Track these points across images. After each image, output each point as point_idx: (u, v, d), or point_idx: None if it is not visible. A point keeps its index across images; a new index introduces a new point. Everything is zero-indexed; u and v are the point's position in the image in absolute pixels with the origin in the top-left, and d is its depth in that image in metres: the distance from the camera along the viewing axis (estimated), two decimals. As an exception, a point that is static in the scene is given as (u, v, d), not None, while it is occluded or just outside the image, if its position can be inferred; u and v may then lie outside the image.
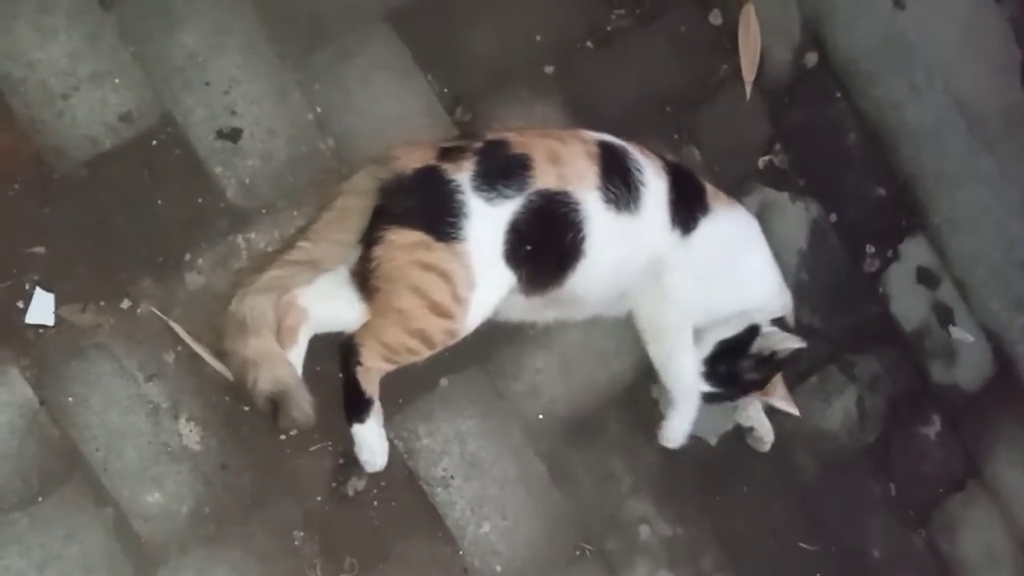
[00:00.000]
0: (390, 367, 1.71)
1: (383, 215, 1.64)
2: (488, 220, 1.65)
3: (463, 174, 1.65)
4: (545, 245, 1.70)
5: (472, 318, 1.69)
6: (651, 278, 1.84)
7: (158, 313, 1.66)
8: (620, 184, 1.74)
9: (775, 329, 1.88)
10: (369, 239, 1.64)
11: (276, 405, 1.64)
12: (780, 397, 1.97)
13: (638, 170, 1.77)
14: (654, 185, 1.78)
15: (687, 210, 1.82)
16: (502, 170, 1.67)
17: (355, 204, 1.65)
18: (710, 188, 1.89)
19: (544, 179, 1.68)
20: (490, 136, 1.73)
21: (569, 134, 1.79)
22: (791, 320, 1.96)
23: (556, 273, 1.72)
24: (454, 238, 1.63)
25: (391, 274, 1.64)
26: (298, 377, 1.66)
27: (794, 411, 1.98)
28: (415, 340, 1.67)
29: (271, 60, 1.78)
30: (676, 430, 1.92)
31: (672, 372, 1.91)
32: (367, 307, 1.67)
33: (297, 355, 1.69)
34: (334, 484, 1.75)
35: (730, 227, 1.89)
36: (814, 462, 2.14)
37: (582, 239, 1.71)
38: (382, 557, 1.77)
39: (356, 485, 1.77)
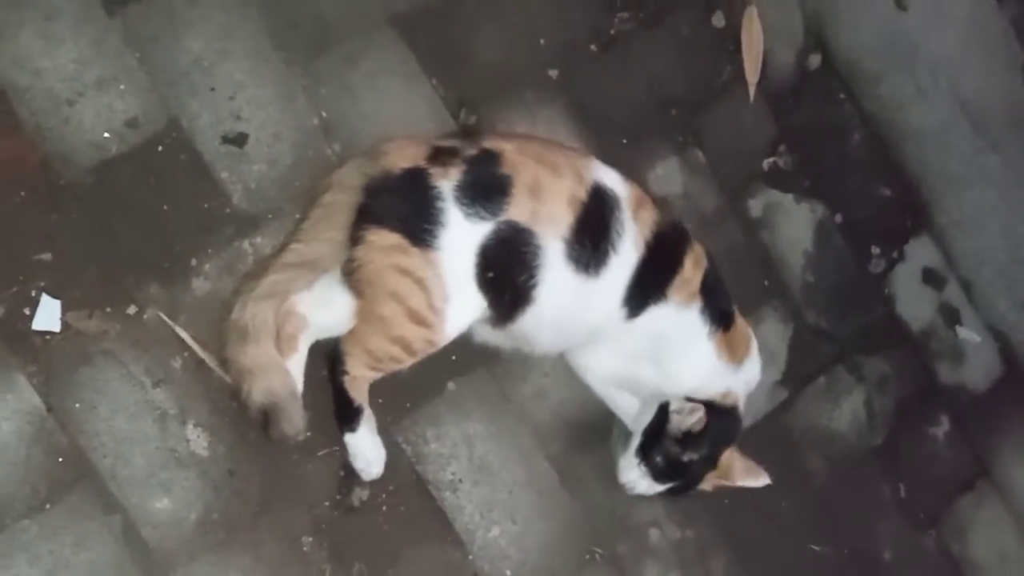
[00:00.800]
0: (375, 375, 1.69)
1: (365, 214, 1.61)
2: (463, 235, 1.61)
3: (447, 182, 1.61)
4: (503, 278, 1.65)
5: (449, 329, 1.66)
6: (590, 340, 1.81)
7: (165, 319, 1.66)
8: (589, 243, 1.65)
9: (683, 404, 1.77)
10: (352, 238, 1.61)
11: (267, 416, 1.63)
12: (741, 475, 1.86)
13: (618, 233, 1.67)
14: (626, 255, 1.68)
15: (642, 294, 1.72)
16: (484, 189, 1.62)
17: (342, 199, 1.63)
18: (685, 272, 1.75)
19: (517, 211, 1.62)
20: (487, 144, 1.67)
21: (569, 164, 1.69)
22: (735, 401, 1.84)
23: (508, 310, 1.68)
24: (429, 245, 1.60)
25: (371, 277, 1.62)
26: (292, 389, 1.65)
27: (762, 482, 1.88)
28: (397, 347, 1.65)
29: (277, 65, 1.78)
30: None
31: (614, 409, 1.92)
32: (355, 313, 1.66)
33: (297, 363, 1.68)
34: (338, 496, 1.74)
35: (671, 324, 1.76)
36: (824, 463, 2.14)
37: (533, 285, 1.65)
38: (391, 562, 1.76)
39: (360, 495, 1.76)
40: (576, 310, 1.71)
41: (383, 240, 1.60)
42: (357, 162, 1.66)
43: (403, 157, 1.64)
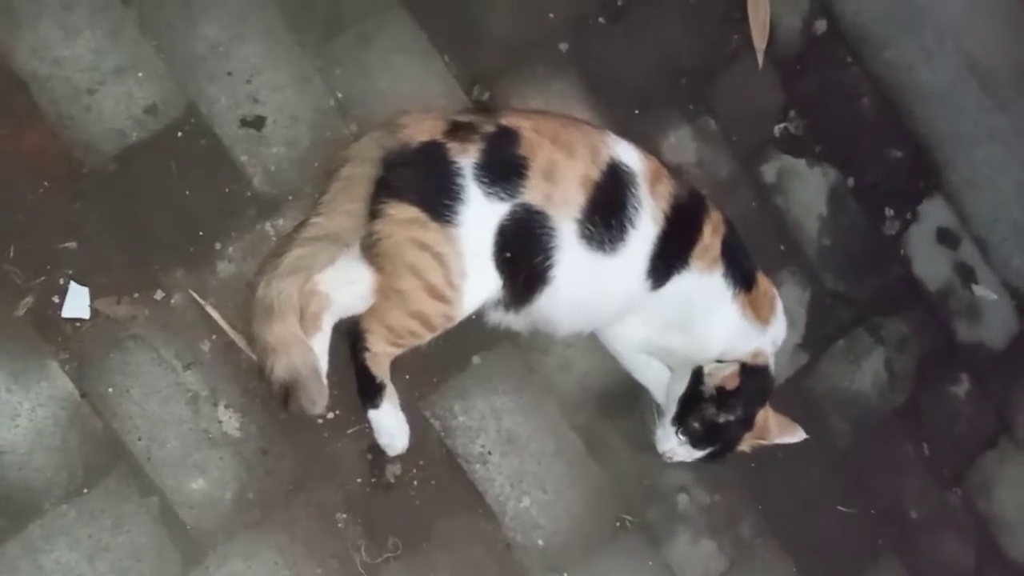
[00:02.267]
0: (396, 351, 1.70)
1: (384, 187, 1.62)
2: (483, 213, 1.62)
3: (467, 158, 1.62)
4: (519, 259, 1.66)
5: (467, 305, 1.67)
6: (618, 317, 1.82)
7: (196, 297, 1.67)
8: (602, 222, 1.66)
9: (715, 365, 1.79)
10: (372, 211, 1.62)
11: (288, 392, 1.64)
12: (777, 432, 1.87)
13: (635, 207, 1.68)
14: (645, 230, 1.70)
15: (666, 265, 1.73)
16: (501, 169, 1.63)
17: (361, 172, 1.63)
18: (705, 239, 1.77)
19: (532, 193, 1.63)
20: (505, 121, 1.67)
21: (584, 142, 1.69)
22: (766, 360, 1.85)
23: (524, 292, 1.69)
24: (448, 221, 1.61)
25: (390, 251, 1.62)
26: (314, 366, 1.66)
27: (798, 437, 1.90)
28: (416, 322, 1.66)
29: (291, 48, 1.80)
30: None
31: (642, 380, 1.94)
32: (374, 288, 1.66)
33: (322, 342, 1.70)
34: (373, 478, 1.76)
35: (696, 290, 1.78)
36: (847, 425, 2.15)
37: (549, 266, 1.66)
38: (424, 536, 1.78)
39: (394, 471, 1.77)
40: (595, 288, 1.71)
41: (402, 214, 1.61)
42: (374, 135, 1.67)
43: (421, 130, 1.64)
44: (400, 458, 1.78)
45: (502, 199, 1.63)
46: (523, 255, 1.66)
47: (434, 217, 1.61)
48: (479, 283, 1.66)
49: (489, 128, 1.65)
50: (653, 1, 2.07)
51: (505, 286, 1.68)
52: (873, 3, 2.26)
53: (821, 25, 2.23)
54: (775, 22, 2.17)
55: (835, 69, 2.25)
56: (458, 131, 1.65)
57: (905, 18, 2.27)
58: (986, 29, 2.34)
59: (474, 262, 1.64)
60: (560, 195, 1.65)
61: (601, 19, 2.04)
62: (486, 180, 1.62)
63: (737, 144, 2.12)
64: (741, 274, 1.81)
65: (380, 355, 1.70)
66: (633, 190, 1.70)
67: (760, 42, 2.15)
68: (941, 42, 2.29)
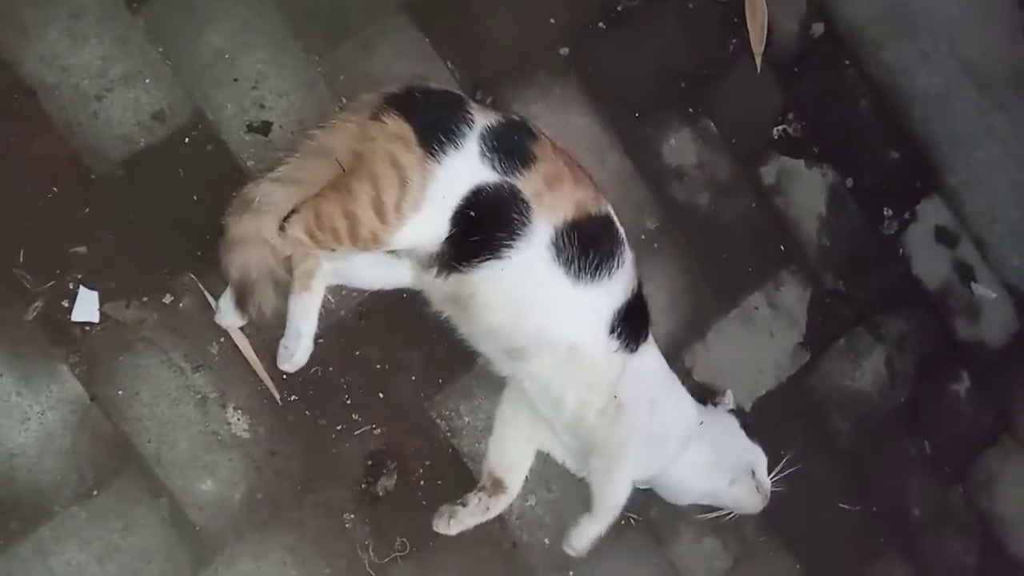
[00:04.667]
0: (304, 242, 1.65)
1: (394, 100, 1.65)
2: (470, 167, 1.63)
3: (482, 119, 1.65)
4: (481, 223, 1.64)
5: (401, 237, 1.65)
6: (565, 369, 1.72)
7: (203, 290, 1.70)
8: (580, 247, 1.65)
9: None
10: (371, 114, 1.65)
11: (239, 293, 1.65)
12: None
13: (618, 263, 1.69)
14: (617, 288, 1.70)
15: (634, 330, 1.74)
16: (508, 149, 1.65)
17: (373, 100, 1.67)
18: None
19: (526, 185, 1.64)
20: (532, 125, 1.71)
21: (594, 188, 1.73)
22: None
23: (469, 254, 1.65)
24: (432, 154, 1.62)
25: (366, 155, 1.63)
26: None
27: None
28: (344, 223, 1.63)
29: (296, 55, 1.82)
30: (588, 538, 1.80)
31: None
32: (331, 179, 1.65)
33: (312, 302, 1.70)
34: (363, 486, 1.77)
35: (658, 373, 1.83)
36: (848, 423, 2.16)
37: (508, 244, 1.64)
38: (431, 536, 1.79)
39: (386, 484, 1.79)
40: (542, 299, 1.67)
41: (396, 127, 1.63)
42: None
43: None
44: (405, 460, 1.79)
45: (495, 169, 1.64)
46: (488, 221, 1.65)
47: (422, 143, 1.62)
48: (426, 222, 1.64)
49: (515, 117, 1.71)
50: (652, 6, 2.09)
51: (451, 241, 1.65)
52: (870, 6, 2.28)
53: (818, 28, 2.26)
54: (773, 26, 2.19)
55: (833, 72, 2.27)
56: (485, 106, 1.69)
57: (901, 21, 2.29)
58: (982, 31, 2.36)
59: (433, 202, 1.63)
60: (551, 201, 1.65)
61: (601, 24, 2.06)
62: (488, 145, 1.64)
63: (737, 146, 2.14)
64: None
65: (289, 239, 1.66)
66: (621, 248, 1.71)
67: (758, 46, 2.17)
68: (937, 44, 2.31)
